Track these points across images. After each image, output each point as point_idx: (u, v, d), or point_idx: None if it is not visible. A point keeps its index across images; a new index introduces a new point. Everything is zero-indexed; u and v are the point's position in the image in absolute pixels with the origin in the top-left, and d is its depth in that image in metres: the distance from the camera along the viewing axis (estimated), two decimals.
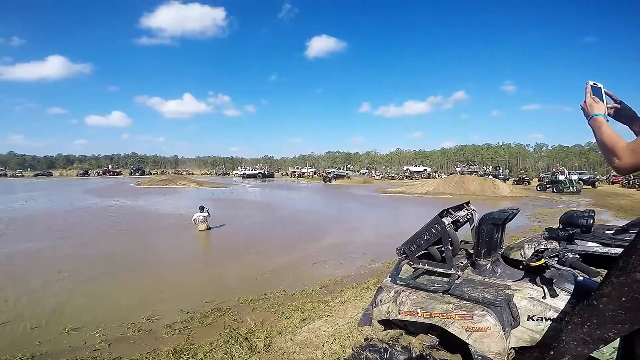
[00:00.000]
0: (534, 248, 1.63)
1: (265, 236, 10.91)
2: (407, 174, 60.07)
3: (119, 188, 33.05)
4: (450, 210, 1.93)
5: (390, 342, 1.75)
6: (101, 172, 70.74)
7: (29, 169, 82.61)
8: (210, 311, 4.98)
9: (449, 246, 1.72)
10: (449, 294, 1.67)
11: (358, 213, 17.07)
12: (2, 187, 35.10)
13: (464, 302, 1.61)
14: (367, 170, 69.85)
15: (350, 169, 71.87)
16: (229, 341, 3.89)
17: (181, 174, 63.64)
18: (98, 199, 22.47)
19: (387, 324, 1.91)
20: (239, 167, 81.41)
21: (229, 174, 79.74)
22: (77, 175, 66.34)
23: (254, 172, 62.44)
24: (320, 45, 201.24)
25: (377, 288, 1.92)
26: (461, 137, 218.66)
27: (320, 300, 5.22)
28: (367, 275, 6.55)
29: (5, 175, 64.63)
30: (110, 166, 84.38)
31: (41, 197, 23.03)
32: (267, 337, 3.93)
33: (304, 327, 4.16)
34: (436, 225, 1.72)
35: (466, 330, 1.53)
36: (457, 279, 1.69)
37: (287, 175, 70.53)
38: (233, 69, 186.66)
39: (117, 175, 69.20)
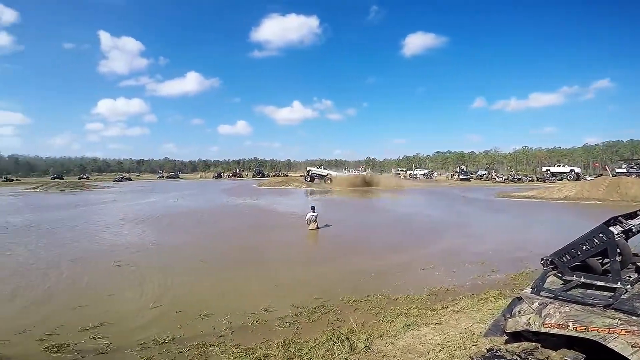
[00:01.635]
0: None
1: (371, 238, 11.18)
2: (546, 176, 50.48)
3: (244, 189, 37.81)
4: (620, 218, 1.77)
5: (523, 354, 1.72)
6: (230, 174, 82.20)
7: (178, 172, 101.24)
8: (316, 308, 5.24)
9: (617, 258, 1.60)
10: (612, 308, 1.58)
11: (476, 218, 15.90)
12: (160, 187, 44.15)
13: (635, 317, 1.52)
14: (486, 172, 62.19)
15: (425, 169, 64.83)
16: (331, 339, 4.11)
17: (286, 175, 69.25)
18: (229, 198, 26.42)
19: (516, 337, 1.87)
20: (343, 170, 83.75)
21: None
22: (212, 177, 78.52)
23: (356, 174, 63.25)
24: (417, 42, 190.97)
25: (513, 299, 1.90)
26: (609, 132, 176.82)
27: (427, 307, 5.08)
28: (486, 287, 6.12)
29: (162, 177, 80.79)
30: (237, 169, 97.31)
31: (188, 197, 28.23)
32: (367, 339, 4.05)
33: (408, 332, 4.16)
34: (600, 235, 1.62)
35: (632, 347, 1.45)
36: (624, 293, 1.59)
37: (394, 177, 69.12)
38: (332, 74, 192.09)
39: (242, 177, 79.50)
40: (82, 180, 57.85)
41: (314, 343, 4.05)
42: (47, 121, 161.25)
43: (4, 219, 15.22)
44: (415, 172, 68.12)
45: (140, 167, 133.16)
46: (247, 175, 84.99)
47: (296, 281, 6.74)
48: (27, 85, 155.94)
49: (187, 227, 13.21)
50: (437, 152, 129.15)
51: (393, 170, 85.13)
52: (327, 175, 44.51)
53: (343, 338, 4.09)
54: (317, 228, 11.84)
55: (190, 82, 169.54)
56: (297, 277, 6.99)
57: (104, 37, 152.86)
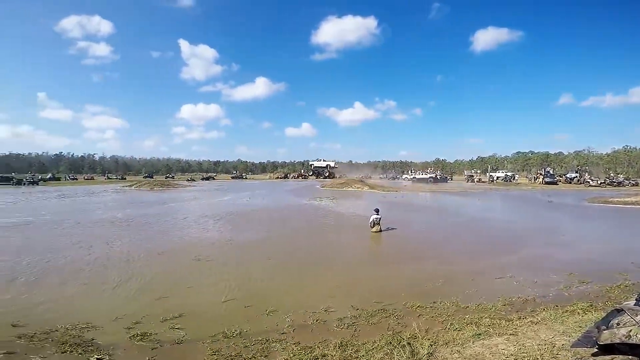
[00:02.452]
0: None
1: (441, 242, 10.76)
2: None
3: (308, 189, 38.90)
4: None
5: None
6: (296, 175, 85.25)
7: (243, 174, 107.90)
8: (376, 311, 5.21)
9: None
10: None
11: (564, 225, 14.43)
12: (233, 187, 47.43)
13: None
14: (577, 174, 55.02)
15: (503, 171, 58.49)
16: (390, 343, 4.06)
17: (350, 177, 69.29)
18: (295, 198, 27.49)
19: (608, 349, 1.80)
20: (409, 171, 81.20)
21: (398, 178, 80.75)
22: (276, 178, 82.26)
23: (424, 176, 60.97)
24: (488, 38, 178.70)
25: (611, 310, 1.82)
26: None
27: (502, 317, 4.82)
28: (574, 298, 5.67)
29: (241, 177, 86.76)
30: (302, 170, 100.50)
31: (258, 196, 29.96)
32: (431, 346, 3.93)
33: (477, 342, 3.96)
34: None
35: None
36: None
37: (466, 179, 64.93)
38: (394, 74, 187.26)
39: (306, 178, 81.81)
40: (168, 179, 64.89)
41: (372, 346, 4.04)
42: (140, 125, 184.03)
43: (110, 214, 17.85)
44: (493, 175, 62.98)
45: (217, 167, 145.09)
46: (311, 177, 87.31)
47: (357, 283, 6.75)
48: (123, 92, 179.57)
49: (257, 225, 14.01)
50: (518, 152, 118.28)
51: (465, 172, 79.95)
52: (327, 166, 43.78)
53: (404, 343, 4.02)
54: (380, 231, 11.72)
55: (260, 87, 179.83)
56: (358, 279, 7.00)
57: (184, 45, 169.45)
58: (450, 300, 5.66)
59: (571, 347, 2.40)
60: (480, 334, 4.20)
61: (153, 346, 4.13)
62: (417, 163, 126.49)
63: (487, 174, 62.05)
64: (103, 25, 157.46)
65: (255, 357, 3.91)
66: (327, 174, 46.08)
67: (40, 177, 58.17)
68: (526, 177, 71.72)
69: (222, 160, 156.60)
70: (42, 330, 4.45)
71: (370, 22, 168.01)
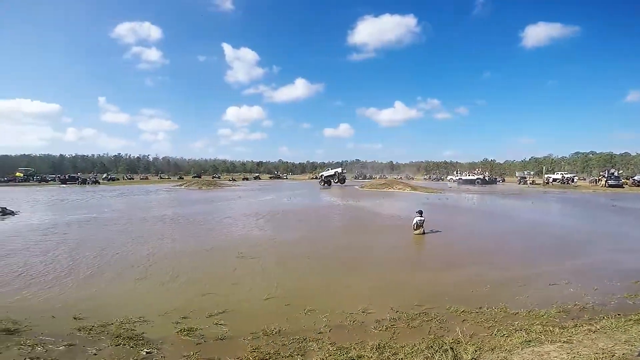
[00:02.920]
0: None
1: (487, 247, 10.23)
2: None
3: (347, 190, 38.74)
4: None
5: None
6: None
7: (279, 174, 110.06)
8: (417, 314, 5.12)
9: None
10: None
11: (631, 231, 13.05)
12: (274, 187, 48.73)
13: None
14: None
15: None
16: (432, 347, 3.95)
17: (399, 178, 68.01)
18: (333, 198, 27.56)
19: None
20: (454, 172, 78.00)
21: (443, 179, 77.89)
22: (313, 178, 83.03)
23: (471, 177, 58.16)
24: (539, 33, 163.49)
25: None
26: None
27: (555, 324, 4.59)
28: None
29: (280, 177, 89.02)
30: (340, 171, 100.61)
31: (298, 196, 30.48)
32: (475, 351, 3.80)
33: (527, 348, 3.77)
34: None
35: None
36: None
37: (518, 181, 60.99)
38: (438, 72, 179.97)
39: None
40: (214, 179, 68.17)
41: (412, 349, 3.96)
42: (189, 127, 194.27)
43: (163, 211, 19.19)
44: (549, 176, 58.52)
45: (259, 168, 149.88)
46: (350, 177, 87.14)
47: (397, 285, 6.64)
48: (173, 96, 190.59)
49: (297, 225, 14.27)
50: (576, 153, 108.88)
51: (517, 173, 75.16)
52: (335, 173, 47.55)
53: (446, 347, 3.91)
54: (424, 233, 11.41)
55: (299, 88, 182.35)
56: (399, 282, 6.88)
57: (227, 48, 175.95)
58: (498, 306, 5.42)
59: (637, 356, 2.23)
60: (530, 341, 3.99)
61: (198, 341, 4.28)
62: (463, 163, 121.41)
63: (543, 175, 57.56)
64: (153, 31, 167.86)
65: (292, 356, 3.95)
66: (337, 180, 47.72)
67: (107, 175, 63.84)
68: (585, 179, 65.78)
69: (264, 161, 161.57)
70: (100, 323, 4.72)
71: (410, 21, 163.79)
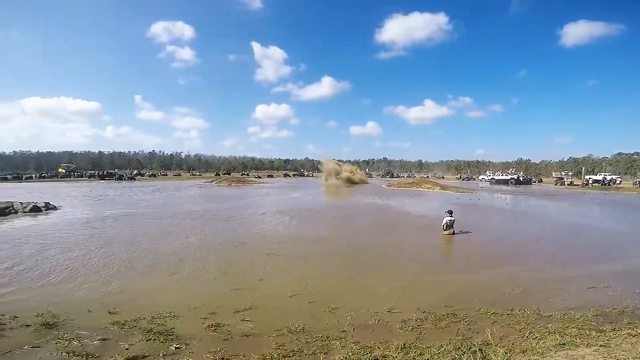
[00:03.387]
0: None
1: (520, 248, 9.86)
2: None
3: (373, 189, 38.47)
4: None
5: None
6: None
7: (317, 171, 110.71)
8: (445, 315, 5.01)
9: None
10: None
11: None
12: (301, 184, 49.03)
13: None
14: None
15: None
16: (459, 348, 3.87)
17: (427, 177, 66.60)
18: (360, 196, 27.43)
19: None
20: (487, 172, 75.24)
21: (474, 179, 75.38)
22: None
23: (504, 177, 55.96)
24: (580, 32, 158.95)
25: None
26: None
27: (592, 327, 4.44)
28: None
29: (303, 175, 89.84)
30: (367, 170, 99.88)
31: (325, 194, 30.70)
32: (506, 353, 3.70)
33: (560, 352, 3.65)
34: None
35: None
36: None
37: (555, 182, 57.96)
38: (470, 70, 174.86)
39: (371, 177, 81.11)
40: (243, 176, 69.91)
41: (438, 350, 3.89)
42: (220, 125, 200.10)
43: (195, 207, 19.93)
44: (589, 177, 55.15)
45: (287, 165, 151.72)
46: (377, 176, 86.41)
47: (425, 286, 6.51)
48: (205, 94, 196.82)
49: (323, 223, 14.29)
50: (619, 153, 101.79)
51: (554, 174, 71.40)
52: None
53: (475, 349, 3.81)
54: (454, 233, 11.16)
55: (325, 87, 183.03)
56: (427, 282, 6.74)
57: (256, 47, 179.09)
58: (531, 308, 5.27)
59: None
60: (564, 344, 3.85)
61: (225, 337, 4.33)
62: (495, 163, 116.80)
63: (582, 176, 54.29)
64: (186, 30, 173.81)
65: (315, 354, 3.96)
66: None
67: (148, 173, 66.78)
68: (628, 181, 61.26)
69: (291, 158, 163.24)
70: (132, 317, 4.83)
71: (441, 19, 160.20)
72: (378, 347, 4.03)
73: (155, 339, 4.18)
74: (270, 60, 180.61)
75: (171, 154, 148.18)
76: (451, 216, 11.24)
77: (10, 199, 18.37)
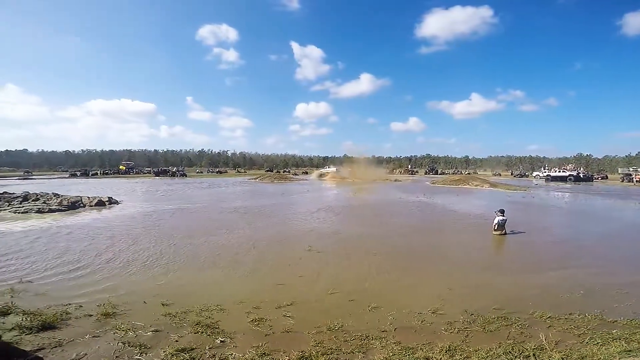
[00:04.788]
0: None
1: (580, 250, 9.09)
2: None
3: (417, 186, 37.44)
4: None
5: None
6: (402, 171, 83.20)
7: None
8: (495, 318, 4.78)
9: None
10: None
11: None
12: (341, 181, 49.07)
13: None
14: None
15: None
16: (510, 352, 3.68)
17: (474, 174, 63.41)
18: (403, 194, 26.82)
19: None
20: (542, 168, 69.90)
21: (527, 175, 70.42)
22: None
23: (562, 173, 51.64)
24: None
25: None
26: None
27: None
28: None
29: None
30: (409, 166, 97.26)
31: (364, 191, 30.39)
32: (562, 359, 3.50)
33: (625, 359, 3.37)
34: None
35: None
36: None
37: (621, 178, 52.48)
38: (522, 63, 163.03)
39: (414, 174, 78.96)
40: (284, 173, 71.44)
41: (487, 354, 3.70)
42: (263, 124, 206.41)
43: (241, 203, 20.85)
44: None
45: (326, 162, 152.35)
46: (417, 173, 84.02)
47: (474, 288, 6.20)
48: (249, 94, 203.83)
49: (364, 220, 14.18)
50: None
51: (620, 170, 64.59)
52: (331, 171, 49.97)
53: (528, 354, 3.61)
54: (505, 234, 10.55)
55: (364, 84, 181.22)
56: (476, 284, 6.41)
57: (295, 47, 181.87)
58: (592, 313, 4.88)
59: None
60: (630, 351, 3.54)
61: (266, 332, 4.38)
62: (552, 159, 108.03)
63: None
64: (230, 33, 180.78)
65: (353, 352, 3.89)
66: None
67: (199, 170, 71.12)
68: None
69: (330, 155, 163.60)
70: (182, 309, 5.00)
71: (485, 12, 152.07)
72: (421, 349, 3.91)
73: (202, 332, 4.32)
74: (308, 59, 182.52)
75: (218, 152, 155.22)
76: (503, 215, 10.65)
77: (79, 194, 20.49)
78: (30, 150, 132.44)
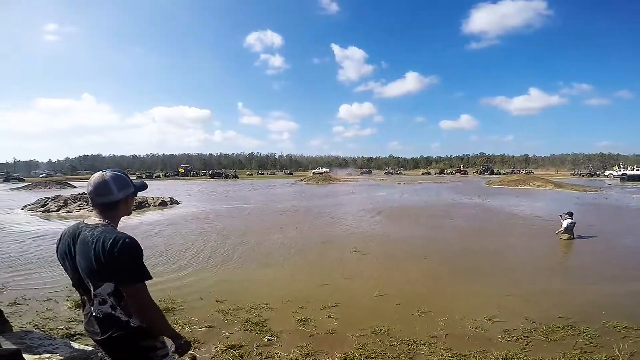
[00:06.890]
0: None
1: None
2: None
3: (471, 186, 35.51)
4: None
5: None
6: (454, 171, 79.37)
7: (402, 169, 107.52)
8: (561, 327, 4.39)
9: None
10: None
11: None
12: (385, 182, 48.16)
13: None
14: None
15: None
16: None
17: (530, 173, 58.52)
18: (455, 195, 25.56)
19: None
20: (615, 166, 62.46)
21: (598, 174, 63.43)
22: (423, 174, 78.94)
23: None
24: None
25: None
26: None
27: None
28: None
29: (389, 173, 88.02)
30: (461, 166, 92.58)
31: (412, 192, 29.46)
32: None
33: None
34: None
35: None
36: None
37: None
38: (588, 54, 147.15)
39: (466, 174, 74.86)
40: (328, 174, 71.92)
41: None
42: (308, 126, 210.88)
43: (289, 204, 21.42)
44: None
45: (370, 163, 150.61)
46: (474, 172, 79.41)
47: (536, 295, 5.71)
48: (294, 98, 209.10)
49: (412, 222, 13.69)
50: None
51: None
52: (324, 172, 56.21)
53: None
54: (573, 238, 9.57)
55: (410, 82, 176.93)
56: (538, 291, 5.90)
57: (336, 49, 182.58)
58: None
59: None
60: None
61: (311, 332, 4.36)
62: (627, 156, 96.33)
63: None
64: (275, 39, 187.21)
65: (399, 357, 3.74)
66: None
67: (250, 173, 74.45)
68: None
69: (374, 156, 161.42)
70: (234, 306, 5.11)
71: (539, 4, 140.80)
72: (474, 356, 3.68)
73: (251, 329, 4.40)
74: (350, 60, 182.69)
75: (267, 155, 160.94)
76: (571, 218, 9.61)
77: (144, 195, 22.29)
78: (103, 155, 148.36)
